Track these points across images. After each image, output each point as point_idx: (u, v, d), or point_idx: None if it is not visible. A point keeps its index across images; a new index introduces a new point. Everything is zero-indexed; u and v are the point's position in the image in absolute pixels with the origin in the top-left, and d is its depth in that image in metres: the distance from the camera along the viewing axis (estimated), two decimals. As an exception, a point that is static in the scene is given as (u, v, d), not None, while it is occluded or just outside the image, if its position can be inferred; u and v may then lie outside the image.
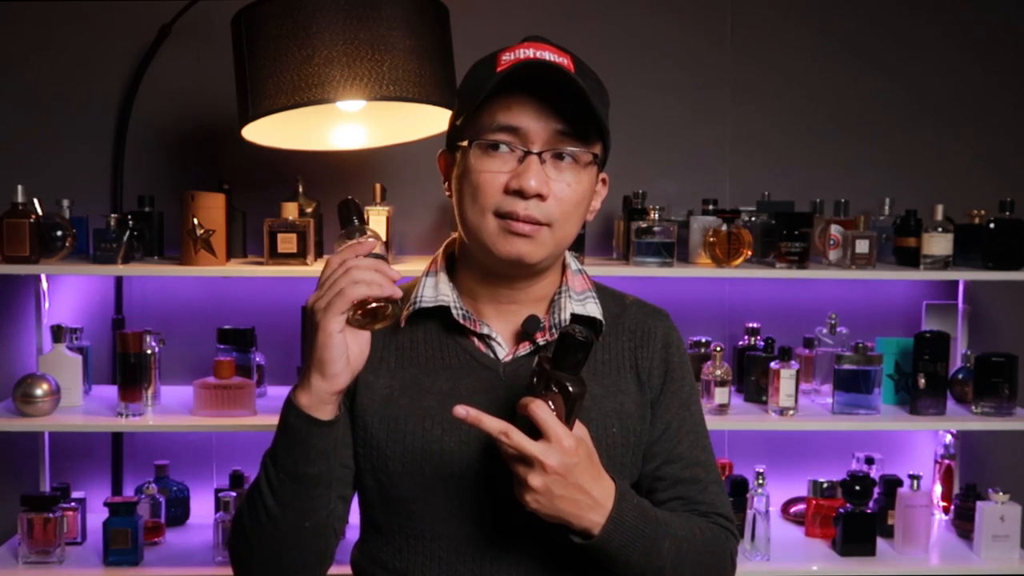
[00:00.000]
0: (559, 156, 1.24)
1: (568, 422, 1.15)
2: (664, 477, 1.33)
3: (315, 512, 1.22)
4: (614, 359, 1.33)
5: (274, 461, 1.20)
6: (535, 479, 1.13)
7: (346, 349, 1.16)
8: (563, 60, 1.24)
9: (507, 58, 1.24)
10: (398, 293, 1.16)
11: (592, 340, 1.15)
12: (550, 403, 1.14)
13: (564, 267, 1.36)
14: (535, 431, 1.13)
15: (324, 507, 1.23)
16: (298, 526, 1.21)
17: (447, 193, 1.33)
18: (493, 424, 1.13)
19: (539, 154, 1.23)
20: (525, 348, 1.30)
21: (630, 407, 1.31)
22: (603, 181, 1.34)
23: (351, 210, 1.23)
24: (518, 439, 1.12)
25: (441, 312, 1.31)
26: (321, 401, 1.17)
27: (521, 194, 1.22)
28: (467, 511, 1.27)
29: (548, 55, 1.23)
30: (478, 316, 1.32)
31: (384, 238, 2.42)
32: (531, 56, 1.23)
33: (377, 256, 1.18)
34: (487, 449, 1.23)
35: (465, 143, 1.26)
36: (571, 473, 1.13)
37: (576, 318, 1.31)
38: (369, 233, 1.22)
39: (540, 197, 1.22)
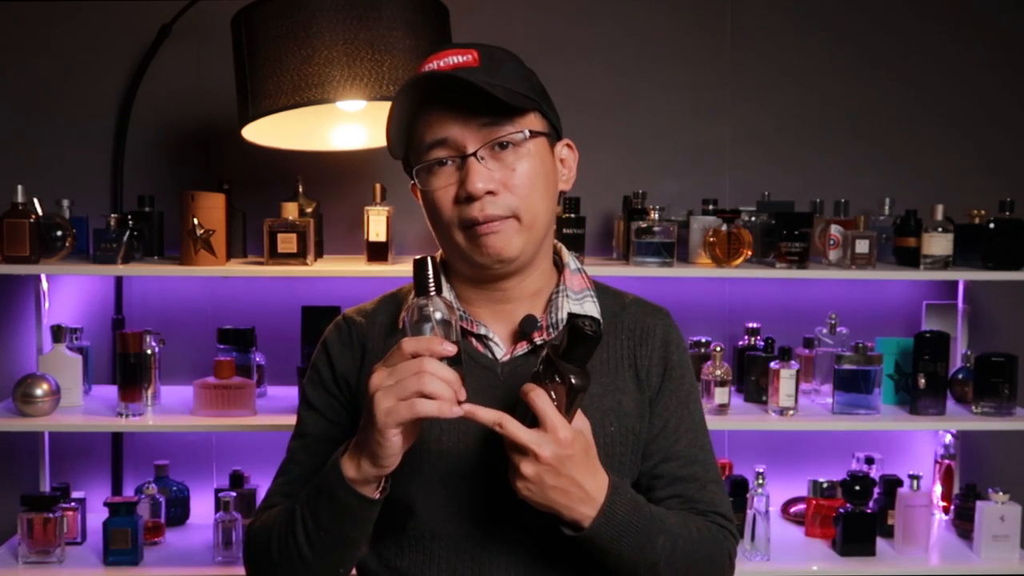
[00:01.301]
0: (494, 147, 1.25)
1: (568, 413, 1.15)
2: (662, 475, 1.32)
3: (351, 562, 1.25)
4: (613, 358, 1.33)
5: (315, 519, 1.20)
6: (527, 467, 1.13)
7: (402, 441, 1.14)
8: (467, 57, 1.25)
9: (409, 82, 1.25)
10: (458, 412, 1.11)
11: (600, 334, 1.15)
12: (552, 393, 1.14)
13: (563, 266, 1.36)
14: (536, 419, 1.13)
15: (359, 556, 1.26)
16: (333, 572, 1.24)
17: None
18: (487, 415, 1.13)
19: (474, 154, 1.23)
20: (523, 348, 1.30)
21: (628, 406, 1.31)
22: (568, 146, 1.35)
23: (427, 272, 1.15)
24: (512, 428, 1.13)
25: (440, 312, 1.31)
26: (367, 481, 1.17)
27: (471, 198, 1.23)
28: (466, 510, 1.27)
29: (452, 59, 1.24)
30: (475, 319, 1.32)
31: (385, 237, 2.42)
32: (424, 71, 1.24)
33: (455, 362, 1.12)
34: (486, 448, 1.24)
35: (413, 171, 1.29)
36: (564, 465, 1.14)
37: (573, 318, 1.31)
38: (446, 313, 1.14)
39: (491, 194, 1.23)
